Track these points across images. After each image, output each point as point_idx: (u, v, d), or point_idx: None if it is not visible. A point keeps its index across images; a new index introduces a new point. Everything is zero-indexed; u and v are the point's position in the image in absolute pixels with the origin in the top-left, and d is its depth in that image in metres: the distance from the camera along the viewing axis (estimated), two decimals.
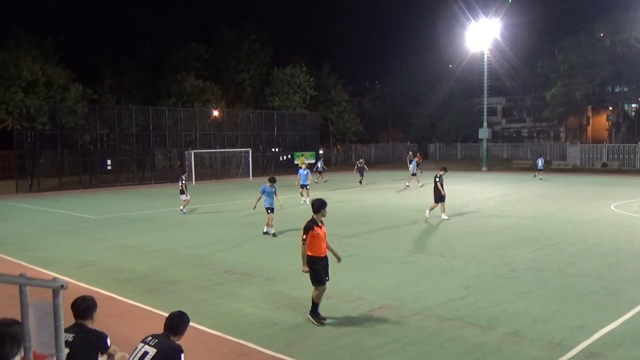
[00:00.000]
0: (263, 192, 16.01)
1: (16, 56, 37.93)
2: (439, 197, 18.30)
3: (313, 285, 8.22)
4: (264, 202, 15.93)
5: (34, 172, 36.16)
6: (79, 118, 38.56)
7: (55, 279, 2.81)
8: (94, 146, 39.75)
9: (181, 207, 21.67)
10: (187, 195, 21.58)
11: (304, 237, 8.08)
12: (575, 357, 6.61)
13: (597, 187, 29.94)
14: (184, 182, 21.82)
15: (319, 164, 37.64)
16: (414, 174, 32.50)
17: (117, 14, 77.23)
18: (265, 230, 16.03)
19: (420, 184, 31.03)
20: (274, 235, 15.74)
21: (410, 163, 34.25)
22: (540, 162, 37.32)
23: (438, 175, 18.45)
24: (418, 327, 7.76)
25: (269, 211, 15.91)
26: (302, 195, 24.55)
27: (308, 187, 24.55)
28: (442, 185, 18.28)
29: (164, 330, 5.23)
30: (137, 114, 41.24)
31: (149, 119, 41.36)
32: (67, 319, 3.26)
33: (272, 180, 16.28)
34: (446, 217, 18.29)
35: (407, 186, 31.70)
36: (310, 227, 8.09)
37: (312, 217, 8.25)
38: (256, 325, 8.01)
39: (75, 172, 38.37)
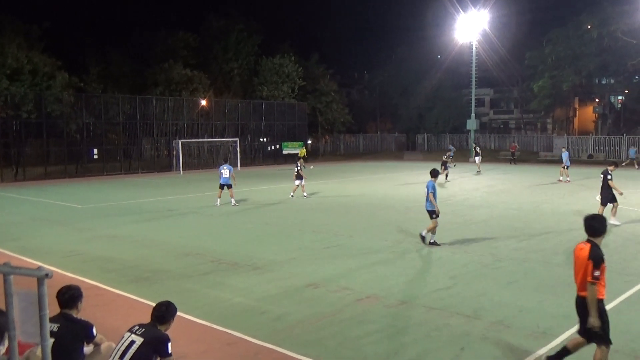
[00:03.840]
0: (433, 190, 12.59)
1: (0, 43, 37.38)
2: (611, 198, 15.24)
3: (600, 344, 5.59)
4: (427, 204, 12.61)
5: (19, 161, 35.81)
6: (64, 106, 38.12)
7: (40, 267, 2.80)
8: (80, 135, 39.35)
9: (291, 194, 22.24)
10: (302, 180, 21.93)
11: (596, 273, 5.50)
12: (559, 345, 6.67)
13: (582, 179, 30.19)
14: (299, 167, 22.14)
15: (452, 150, 41.10)
16: (566, 167, 28.61)
17: (103, 1, 76.37)
18: (432, 241, 12.67)
19: (567, 179, 28.25)
20: (434, 243, 12.62)
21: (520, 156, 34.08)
22: (565, 157, 29.92)
23: (609, 172, 15.39)
24: (404, 317, 7.81)
25: (435, 216, 12.57)
26: (219, 197, 20.55)
27: (231, 187, 20.51)
28: (613, 184, 15.16)
29: (151, 319, 5.22)
30: (124, 102, 40.91)
31: (136, 108, 41.04)
32: (52, 308, 3.24)
33: (436, 174, 12.92)
34: (617, 223, 14.98)
35: (560, 180, 28.55)
36: (601, 257, 5.58)
37: (591, 241, 5.80)
38: (243, 315, 8.02)
39: (61, 161, 38.00)
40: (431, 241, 12.60)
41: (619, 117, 61.89)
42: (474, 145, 39.57)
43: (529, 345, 6.72)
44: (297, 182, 22.12)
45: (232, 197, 20.48)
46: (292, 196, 22.17)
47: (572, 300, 8.47)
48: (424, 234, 12.75)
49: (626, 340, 6.85)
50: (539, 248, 12.30)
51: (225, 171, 20.51)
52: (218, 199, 20.56)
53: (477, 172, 35.45)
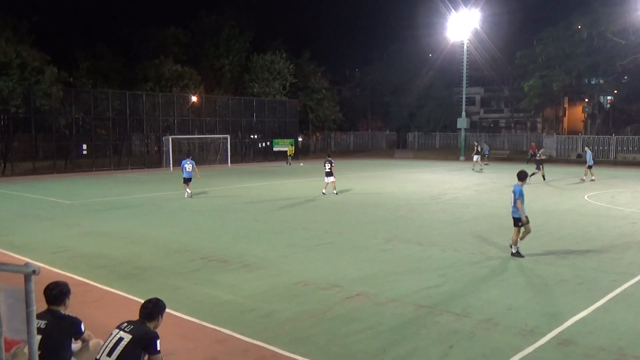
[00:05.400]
0: (520, 195, 11.15)
1: None
2: None
3: None
4: (513, 210, 11.25)
5: (7, 156, 35.51)
6: (53, 101, 37.86)
7: (27, 264, 2.78)
8: (69, 130, 39.13)
9: (323, 190, 22.31)
10: (332, 177, 22.11)
11: None
12: (547, 344, 6.73)
13: (571, 178, 30.40)
14: (333, 164, 22.28)
15: (485, 149, 41.76)
16: (589, 166, 27.94)
17: None
18: (515, 251, 11.35)
19: (592, 177, 27.94)
20: (519, 254, 11.27)
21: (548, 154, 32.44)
22: (589, 156, 28.15)
23: None
24: (394, 314, 7.83)
25: (520, 224, 11.22)
26: (185, 189, 21.79)
27: (190, 181, 21.81)
28: None
29: (139, 316, 5.21)
30: (113, 98, 40.67)
31: (126, 103, 40.81)
32: (39, 305, 3.22)
33: (524, 177, 11.62)
34: None
35: (583, 180, 27.91)
36: None
37: None
38: (233, 312, 8.00)
39: (50, 156, 37.77)
40: (514, 252, 11.30)
41: (607, 117, 62.32)
42: (475, 143, 39.58)
43: (517, 343, 6.76)
44: (328, 179, 22.14)
45: (186, 189, 21.71)
46: (324, 193, 22.14)
47: (560, 298, 8.58)
48: (514, 251, 11.31)
49: (612, 338, 6.91)
50: (527, 246, 12.34)
51: (188, 165, 21.70)
52: (185, 191, 21.76)
53: (475, 169, 35.82)
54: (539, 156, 29.19)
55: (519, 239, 11.37)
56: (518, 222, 11.20)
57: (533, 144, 48.02)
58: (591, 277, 9.80)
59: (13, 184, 28.59)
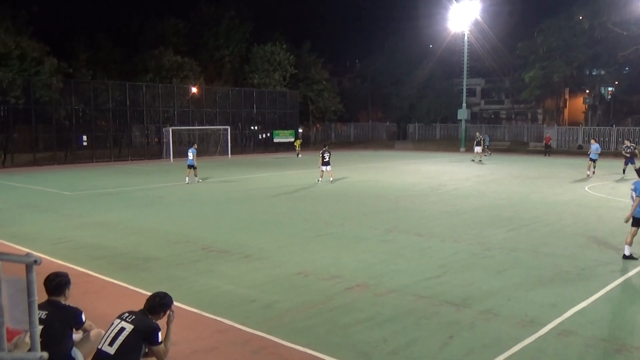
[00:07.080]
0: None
1: None
2: None
3: None
4: (635, 210, 10.19)
5: (7, 148, 35.49)
6: (53, 92, 37.80)
7: (28, 254, 2.78)
8: (69, 121, 39.07)
9: (320, 179, 23.61)
10: (328, 166, 23.22)
11: None
12: (546, 334, 6.75)
13: (572, 169, 30.41)
14: (330, 154, 23.47)
15: (486, 140, 42.59)
16: (592, 160, 27.27)
17: None
18: (629, 253, 10.40)
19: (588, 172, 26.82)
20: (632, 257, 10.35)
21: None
22: (594, 149, 27.73)
23: None
24: (394, 305, 7.85)
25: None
26: (188, 175, 23.79)
27: (195, 167, 23.91)
28: None
29: (144, 307, 5.23)
30: (113, 89, 40.60)
31: (126, 94, 40.74)
32: (40, 296, 3.22)
33: None
34: None
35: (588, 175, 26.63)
36: None
37: None
38: (233, 303, 8.02)
39: (50, 147, 37.75)
40: (627, 254, 10.41)
41: (608, 108, 62.21)
42: (477, 134, 39.57)
43: (517, 333, 6.78)
44: (326, 167, 23.21)
45: (196, 175, 23.85)
46: (319, 181, 23.39)
47: (560, 289, 8.59)
48: (627, 253, 10.41)
49: (612, 329, 6.93)
50: (527, 238, 12.38)
51: (190, 154, 23.78)
52: (187, 177, 23.68)
53: (475, 160, 35.94)
54: (628, 151, 27.69)
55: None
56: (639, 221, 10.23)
57: (547, 134, 47.68)
58: (591, 268, 9.82)
59: (13, 175, 28.59)
